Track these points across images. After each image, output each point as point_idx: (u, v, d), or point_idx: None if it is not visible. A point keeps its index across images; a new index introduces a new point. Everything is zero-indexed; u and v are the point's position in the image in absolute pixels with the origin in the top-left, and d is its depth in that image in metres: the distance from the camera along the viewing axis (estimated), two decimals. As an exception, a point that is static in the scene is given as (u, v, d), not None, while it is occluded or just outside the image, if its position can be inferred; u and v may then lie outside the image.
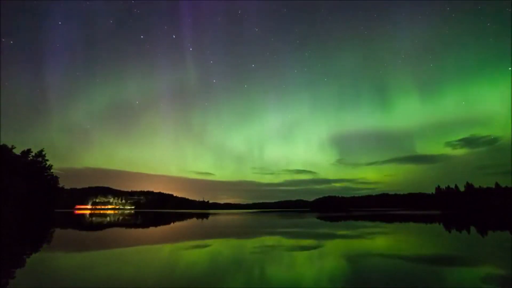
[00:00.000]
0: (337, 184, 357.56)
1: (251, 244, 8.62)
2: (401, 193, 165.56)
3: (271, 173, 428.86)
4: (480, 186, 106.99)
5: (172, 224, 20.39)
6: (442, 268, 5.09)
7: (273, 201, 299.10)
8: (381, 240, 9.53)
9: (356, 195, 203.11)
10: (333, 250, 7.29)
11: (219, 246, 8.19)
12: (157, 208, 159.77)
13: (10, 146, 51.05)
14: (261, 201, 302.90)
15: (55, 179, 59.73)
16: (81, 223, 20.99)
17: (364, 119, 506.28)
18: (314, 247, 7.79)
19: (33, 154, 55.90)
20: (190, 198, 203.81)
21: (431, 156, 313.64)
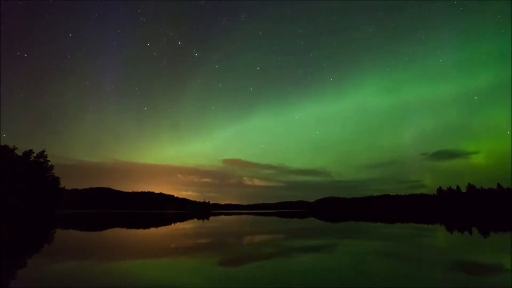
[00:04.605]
0: (339, 185, 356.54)
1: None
2: (402, 193, 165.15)
3: (272, 174, 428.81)
4: (482, 187, 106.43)
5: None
6: (442, 269, 5.06)
7: (274, 202, 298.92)
8: (382, 242, 9.48)
9: (357, 196, 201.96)
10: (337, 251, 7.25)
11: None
12: (157, 209, 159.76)
13: (12, 147, 51.31)
14: (262, 202, 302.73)
15: (56, 179, 59.87)
16: (81, 223, 21.02)
17: (367, 119, 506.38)
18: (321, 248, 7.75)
19: (34, 154, 56.10)
20: (191, 199, 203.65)
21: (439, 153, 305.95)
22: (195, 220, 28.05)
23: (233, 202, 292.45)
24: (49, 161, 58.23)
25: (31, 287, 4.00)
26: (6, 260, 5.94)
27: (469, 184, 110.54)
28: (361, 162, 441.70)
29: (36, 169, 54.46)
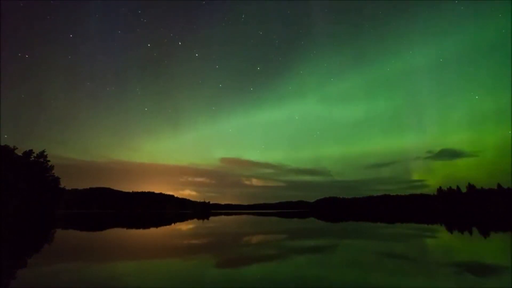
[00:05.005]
0: (340, 185, 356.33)
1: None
2: (403, 193, 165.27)
3: (272, 173, 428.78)
4: (482, 187, 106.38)
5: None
6: (442, 269, 5.06)
7: (274, 202, 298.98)
8: (383, 242, 9.47)
9: (357, 196, 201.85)
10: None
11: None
12: (157, 209, 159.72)
13: (12, 147, 51.34)
14: (262, 202, 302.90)
15: (56, 180, 59.89)
16: (81, 223, 21.02)
17: (369, 119, 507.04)
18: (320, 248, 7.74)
19: (34, 155, 56.12)
20: (192, 199, 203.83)
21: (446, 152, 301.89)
22: (195, 220, 28.04)
23: (233, 202, 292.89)
24: (49, 161, 58.26)
25: (31, 287, 4.00)
26: (6, 260, 5.94)
27: (469, 184, 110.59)
28: (362, 162, 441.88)
29: (36, 169, 54.47)
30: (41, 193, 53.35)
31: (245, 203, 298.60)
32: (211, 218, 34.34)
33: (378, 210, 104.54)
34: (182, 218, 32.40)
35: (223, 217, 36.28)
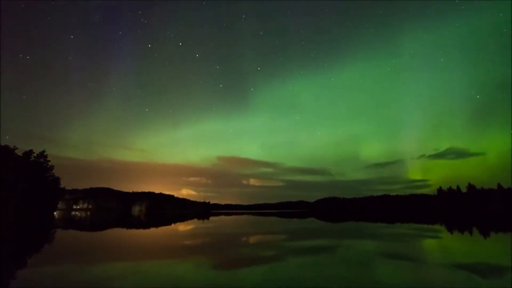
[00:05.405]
0: (340, 185, 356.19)
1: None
2: (403, 193, 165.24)
3: (273, 173, 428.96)
4: (482, 187, 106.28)
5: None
6: (442, 269, 5.05)
7: (274, 202, 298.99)
8: (383, 242, 9.47)
9: (357, 196, 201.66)
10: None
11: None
12: (157, 209, 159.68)
13: (12, 147, 51.33)
14: (262, 202, 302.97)
15: (56, 180, 59.86)
16: (81, 223, 21.01)
17: (370, 119, 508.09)
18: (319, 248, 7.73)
19: (35, 155, 56.09)
20: (191, 199, 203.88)
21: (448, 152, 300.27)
22: (195, 220, 28.03)
23: (233, 202, 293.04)
24: (49, 161, 58.20)
25: (31, 287, 3.99)
26: (6, 260, 5.94)
27: (469, 184, 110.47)
28: (362, 162, 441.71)
29: (36, 169, 54.45)
30: (41, 193, 53.34)
31: (245, 203, 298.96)
32: (211, 218, 34.33)
33: (378, 210, 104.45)
34: (182, 218, 32.39)
35: (223, 217, 36.26)
